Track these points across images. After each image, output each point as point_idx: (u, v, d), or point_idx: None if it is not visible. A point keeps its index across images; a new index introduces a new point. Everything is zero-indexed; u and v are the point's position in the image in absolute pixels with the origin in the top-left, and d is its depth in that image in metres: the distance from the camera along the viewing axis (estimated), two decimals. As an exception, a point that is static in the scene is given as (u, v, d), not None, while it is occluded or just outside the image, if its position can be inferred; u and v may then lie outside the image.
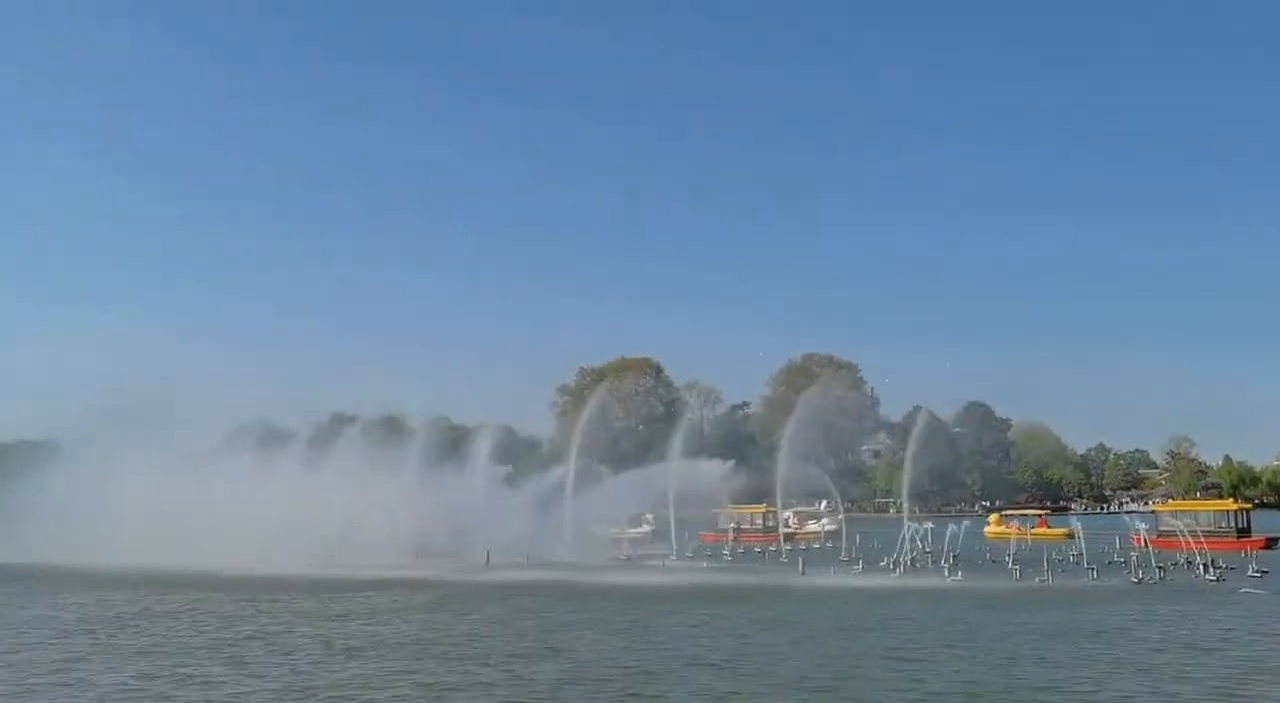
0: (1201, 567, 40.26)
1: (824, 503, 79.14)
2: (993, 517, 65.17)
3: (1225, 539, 54.17)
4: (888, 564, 43.37)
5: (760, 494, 75.80)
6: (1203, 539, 44.10)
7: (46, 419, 76.06)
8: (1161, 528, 55.19)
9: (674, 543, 55.07)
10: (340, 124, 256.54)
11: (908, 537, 45.30)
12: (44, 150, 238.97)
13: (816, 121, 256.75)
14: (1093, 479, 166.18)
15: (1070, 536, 56.92)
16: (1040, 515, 66.64)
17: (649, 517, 68.83)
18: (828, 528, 71.31)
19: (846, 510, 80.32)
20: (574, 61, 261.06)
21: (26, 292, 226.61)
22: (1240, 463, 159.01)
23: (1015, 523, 58.61)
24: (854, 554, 47.88)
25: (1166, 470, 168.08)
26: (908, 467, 47.97)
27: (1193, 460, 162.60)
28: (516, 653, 24.47)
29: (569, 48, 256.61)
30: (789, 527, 74.23)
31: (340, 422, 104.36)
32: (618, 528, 71.03)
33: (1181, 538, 45.58)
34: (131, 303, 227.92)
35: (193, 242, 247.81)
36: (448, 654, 24.33)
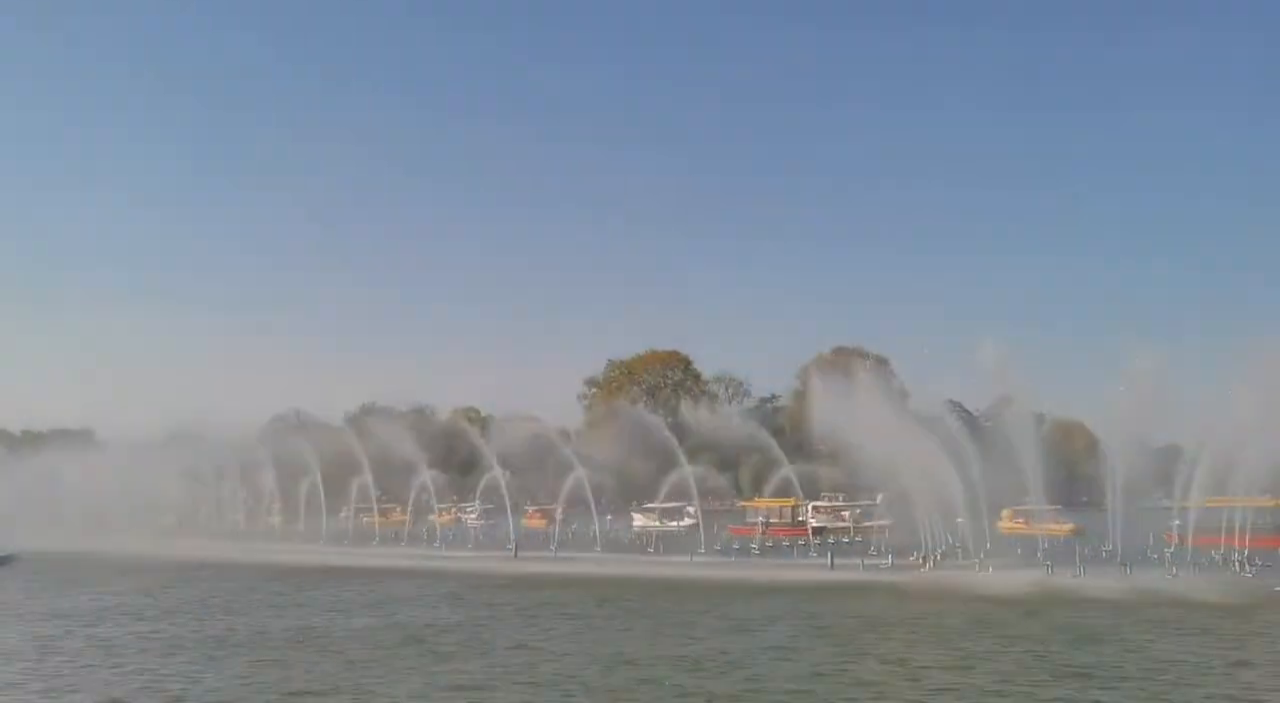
0: (1238, 564, 39.61)
1: (879, 497, 78.02)
2: (1004, 512, 64.59)
3: (1264, 536, 53.16)
4: (917, 558, 43.04)
5: (787, 488, 75.27)
6: (1241, 536, 43.32)
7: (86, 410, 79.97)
8: (1197, 523, 54.25)
9: (702, 536, 54.96)
10: (362, 121, 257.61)
11: (926, 531, 45.11)
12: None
13: (839, 104, 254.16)
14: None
15: (1076, 531, 56.72)
16: (1048, 511, 66.30)
17: (690, 509, 68.76)
18: (877, 523, 70.42)
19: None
20: (604, 56, 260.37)
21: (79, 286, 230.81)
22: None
23: (1024, 518, 59.42)
24: (883, 548, 47.54)
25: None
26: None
27: None
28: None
29: (600, 44, 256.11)
30: (812, 520, 73.81)
31: (370, 412, 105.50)
32: (656, 520, 71.08)
33: (1220, 535, 44.79)
34: (167, 293, 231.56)
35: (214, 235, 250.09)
36: (453, 652, 24.53)
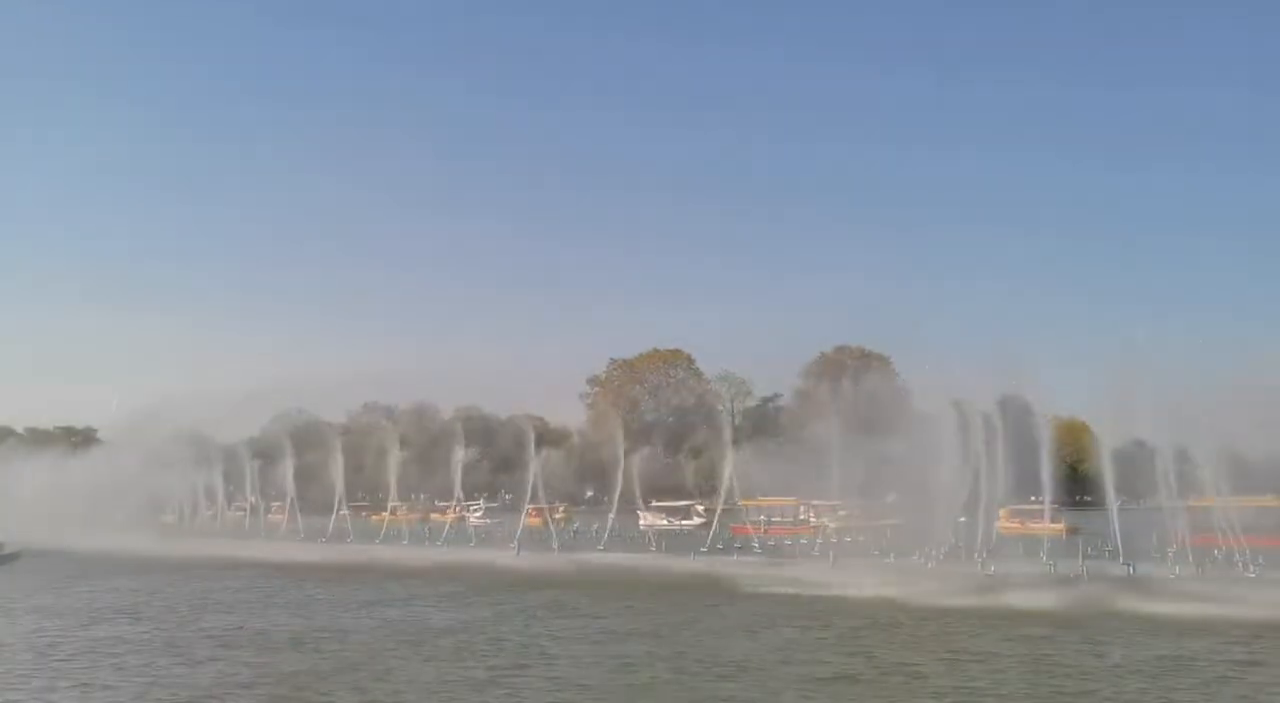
0: (1240, 564, 39.50)
1: (890, 497, 77.74)
2: (1002, 511, 64.72)
3: (1267, 536, 52.98)
4: (920, 557, 42.99)
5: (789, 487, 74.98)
6: (1242, 536, 43.14)
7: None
8: (1198, 522, 54.07)
9: (710, 534, 55.05)
10: (367, 123, 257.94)
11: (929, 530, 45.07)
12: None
13: (836, 117, 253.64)
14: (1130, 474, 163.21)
15: (1071, 531, 56.84)
16: (1046, 510, 66.57)
17: (699, 508, 68.43)
18: (881, 522, 70.10)
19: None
20: (604, 64, 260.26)
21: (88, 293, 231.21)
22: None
23: (1020, 518, 59.91)
24: (884, 547, 47.51)
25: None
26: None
27: None
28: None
29: (604, 54, 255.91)
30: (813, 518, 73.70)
31: (372, 410, 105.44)
32: (663, 519, 70.95)
33: (1220, 534, 44.62)
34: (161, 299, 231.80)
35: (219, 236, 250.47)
36: (453, 652, 24.51)
